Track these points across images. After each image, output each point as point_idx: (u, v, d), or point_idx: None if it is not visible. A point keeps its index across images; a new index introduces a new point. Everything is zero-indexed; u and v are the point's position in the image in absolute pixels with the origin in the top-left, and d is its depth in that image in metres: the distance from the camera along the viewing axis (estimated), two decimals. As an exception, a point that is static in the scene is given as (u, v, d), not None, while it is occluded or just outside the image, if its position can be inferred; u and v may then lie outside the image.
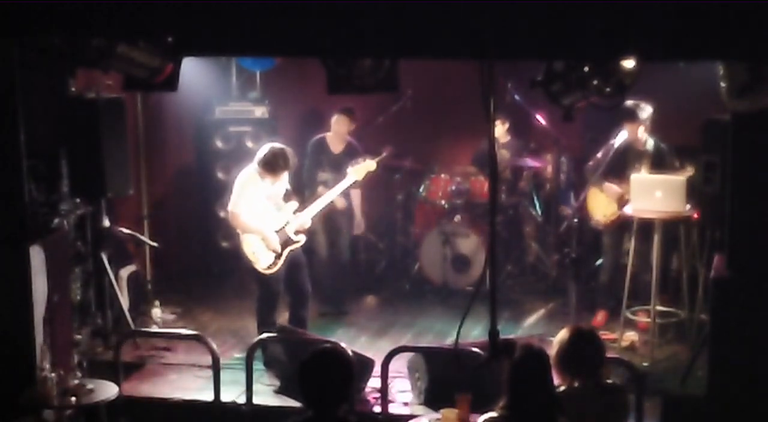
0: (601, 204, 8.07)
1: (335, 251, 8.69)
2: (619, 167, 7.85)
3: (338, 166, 8.41)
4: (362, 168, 8.05)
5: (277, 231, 7.45)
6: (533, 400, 4.25)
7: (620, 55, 4.71)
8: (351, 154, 8.50)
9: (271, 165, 7.24)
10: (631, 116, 7.71)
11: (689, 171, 7.49)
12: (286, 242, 7.47)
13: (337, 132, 8.50)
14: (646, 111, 7.73)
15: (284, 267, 7.53)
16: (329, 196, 7.94)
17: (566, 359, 4.68)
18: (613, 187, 7.90)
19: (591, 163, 8.19)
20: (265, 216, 7.44)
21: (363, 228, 9.00)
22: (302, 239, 7.57)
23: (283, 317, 7.79)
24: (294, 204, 7.59)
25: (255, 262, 7.46)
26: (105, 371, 6.65)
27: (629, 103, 7.60)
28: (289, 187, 7.64)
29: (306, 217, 7.62)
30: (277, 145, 7.42)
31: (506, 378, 4.27)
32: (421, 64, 7.79)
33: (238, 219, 7.42)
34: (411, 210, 9.64)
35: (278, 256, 7.45)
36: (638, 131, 7.78)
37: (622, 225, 8.01)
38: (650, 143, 7.85)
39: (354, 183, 8.11)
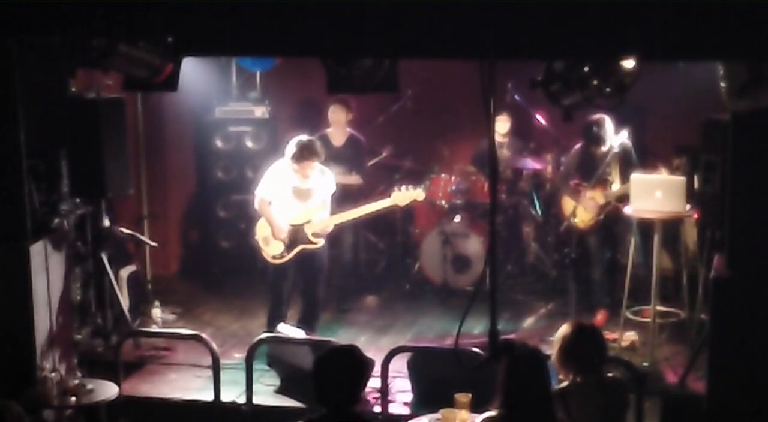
0: (578, 210, 8.07)
1: (336, 251, 8.70)
2: (590, 171, 7.90)
3: (340, 159, 8.43)
4: (407, 195, 7.85)
5: (292, 225, 7.46)
6: (530, 398, 4.26)
7: (620, 55, 4.71)
8: (353, 146, 8.53)
9: (296, 155, 7.31)
10: (598, 142, 7.79)
11: (662, 172, 7.51)
12: (299, 239, 7.48)
13: (335, 122, 8.49)
14: (610, 127, 7.77)
15: (298, 268, 7.57)
16: (361, 211, 7.84)
17: (568, 354, 4.69)
18: (590, 202, 7.92)
19: (562, 168, 8.24)
20: (284, 207, 7.50)
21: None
22: (320, 242, 7.57)
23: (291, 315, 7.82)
24: (326, 206, 7.61)
25: (263, 249, 7.55)
26: (105, 371, 6.66)
27: (593, 127, 7.66)
28: (334, 188, 7.65)
29: (329, 223, 7.62)
30: (305, 137, 7.51)
31: (503, 377, 4.28)
32: (421, 64, 7.79)
33: (263, 205, 7.52)
34: (411, 210, 9.64)
35: (287, 249, 7.47)
36: (606, 146, 7.83)
37: (606, 226, 8.02)
38: (617, 144, 7.86)
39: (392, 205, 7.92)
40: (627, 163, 7.84)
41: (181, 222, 10.09)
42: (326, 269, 7.81)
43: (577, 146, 8.11)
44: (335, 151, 8.47)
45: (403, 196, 7.86)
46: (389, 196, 7.87)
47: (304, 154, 7.32)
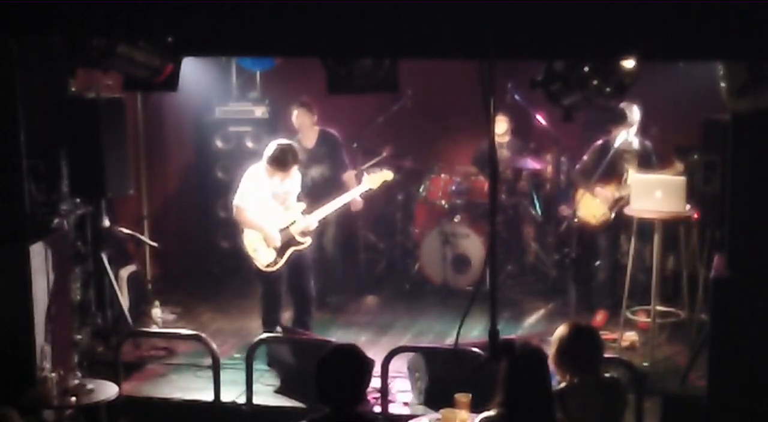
0: (591, 206, 8.07)
1: (323, 253, 8.68)
2: (607, 168, 7.87)
3: (317, 158, 8.42)
4: (379, 177, 8.00)
5: (280, 230, 7.45)
6: (530, 398, 4.26)
7: (620, 55, 4.71)
8: (326, 142, 8.45)
9: (279, 160, 7.27)
10: (625, 119, 7.74)
11: (678, 167, 7.50)
12: (289, 242, 7.47)
13: (301, 125, 8.42)
14: (636, 112, 7.75)
15: (288, 269, 7.54)
16: (339, 201, 7.88)
17: (565, 355, 4.69)
18: (604, 192, 7.92)
19: (579, 165, 8.22)
20: (268, 214, 7.45)
21: (360, 205, 8.59)
22: (307, 241, 7.56)
23: (285, 317, 7.81)
24: (302, 205, 7.60)
25: (255, 259, 7.48)
26: (105, 371, 6.66)
27: (621, 106, 7.66)
28: (299, 187, 7.66)
29: (313, 219, 7.61)
30: (285, 141, 7.46)
31: (503, 377, 4.28)
32: (421, 64, 7.79)
33: (243, 214, 7.44)
34: (411, 210, 9.64)
35: (279, 255, 7.45)
36: (629, 133, 7.80)
37: (616, 225, 8.02)
38: (636, 143, 7.86)
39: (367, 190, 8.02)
40: (645, 161, 7.81)
41: (181, 222, 10.09)
42: (312, 265, 7.80)
43: (598, 142, 8.06)
44: (310, 153, 8.43)
45: (374, 178, 7.97)
46: (360, 183, 7.98)
47: (289, 158, 7.28)
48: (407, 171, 9.48)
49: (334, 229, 8.70)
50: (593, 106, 5.11)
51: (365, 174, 8.08)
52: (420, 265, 9.26)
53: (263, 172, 7.37)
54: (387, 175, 8.09)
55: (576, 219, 8.31)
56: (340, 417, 4.21)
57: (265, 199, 7.43)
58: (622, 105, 7.68)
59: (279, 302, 7.64)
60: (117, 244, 8.29)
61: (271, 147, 7.33)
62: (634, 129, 7.83)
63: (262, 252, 7.45)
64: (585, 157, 8.19)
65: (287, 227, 7.48)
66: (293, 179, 7.51)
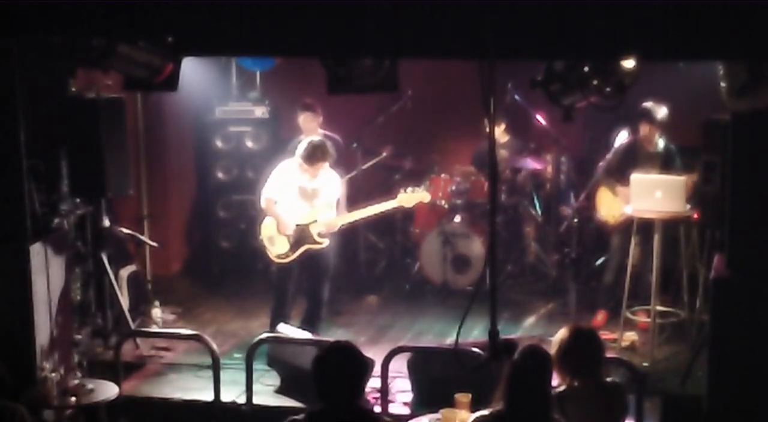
0: (611, 205, 8.06)
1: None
2: (629, 167, 7.82)
3: None
4: (414, 197, 7.91)
5: (298, 225, 7.49)
6: (527, 399, 4.26)
7: (620, 55, 4.71)
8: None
9: (307, 155, 7.33)
10: (648, 117, 7.71)
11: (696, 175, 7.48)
12: (304, 238, 7.50)
13: (308, 130, 8.36)
14: (662, 112, 7.72)
15: (302, 268, 7.60)
16: (368, 211, 7.88)
17: (566, 358, 4.68)
18: (626, 191, 7.86)
19: (602, 163, 8.17)
20: (291, 207, 7.53)
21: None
22: (324, 242, 7.58)
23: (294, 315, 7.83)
24: (332, 207, 7.62)
25: (268, 248, 7.57)
26: (105, 371, 6.67)
27: (647, 104, 7.65)
28: (340, 191, 7.69)
29: (335, 222, 7.64)
30: (317, 138, 7.56)
31: (505, 377, 4.28)
32: (421, 64, 7.78)
33: (270, 206, 7.54)
34: (411, 210, 9.63)
35: (292, 249, 7.49)
36: (653, 132, 7.77)
37: (630, 227, 7.99)
38: (660, 144, 7.84)
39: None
40: (668, 164, 7.78)
41: (181, 223, 10.09)
42: (331, 269, 7.82)
43: (624, 142, 8.03)
44: None
45: (409, 197, 7.91)
46: (395, 197, 7.89)
47: (317, 154, 7.36)
48: (407, 171, 9.48)
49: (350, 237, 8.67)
50: (596, 105, 5.11)
51: (401, 191, 7.95)
52: (420, 265, 9.26)
53: (294, 167, 7.46)
54: (424, 196, 7.99)
55: (576, 220, 8.30)
56: (338, 412, 4.23)
57: (290, 192, 7.52)
58: (650, 104, 7.68)
59: (286, 297, 7.68)
60: (117, 244, 8.30)
61: (304, 142, 7.43)
62: (657, 129, 7.75)
63: (275, 241, 7.53)
64: (609, 155, 8.11)
65: (307, 224, 7.51)
66: (326, 179, 7.55)
